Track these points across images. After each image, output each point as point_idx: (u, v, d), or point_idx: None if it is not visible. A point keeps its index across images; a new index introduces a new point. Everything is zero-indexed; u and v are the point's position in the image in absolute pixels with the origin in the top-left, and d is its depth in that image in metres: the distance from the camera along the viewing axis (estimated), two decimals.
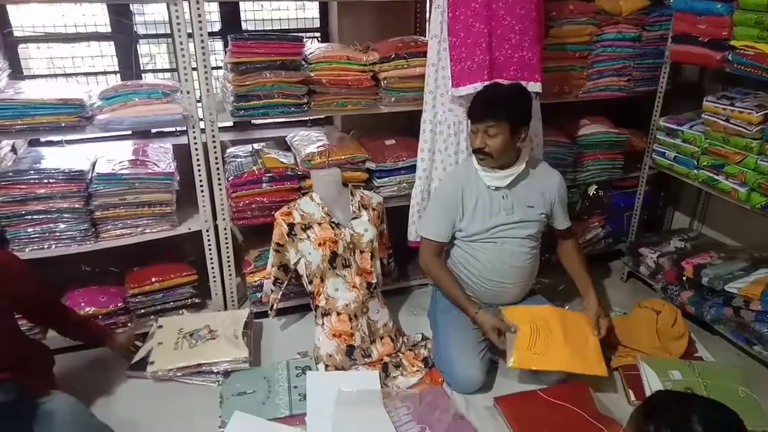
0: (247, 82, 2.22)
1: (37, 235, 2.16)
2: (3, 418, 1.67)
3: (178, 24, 2.07)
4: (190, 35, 2.11)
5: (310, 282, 2.34)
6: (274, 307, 2.47)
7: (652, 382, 2.11)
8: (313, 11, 2.99)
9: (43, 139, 2.60)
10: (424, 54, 2.34)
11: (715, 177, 2.42)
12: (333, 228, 2.33)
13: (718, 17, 2.27)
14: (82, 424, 1.74)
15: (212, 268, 2.48)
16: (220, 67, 2.58)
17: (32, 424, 1.69)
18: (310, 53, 2.36)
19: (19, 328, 1.94)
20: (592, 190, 2.97)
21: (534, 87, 2.31)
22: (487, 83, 2.21)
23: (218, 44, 2.82)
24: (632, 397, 2.14)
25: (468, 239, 2.22)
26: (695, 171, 2.52)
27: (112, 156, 2.36)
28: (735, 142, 2.29)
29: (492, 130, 2.02)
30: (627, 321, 2.48)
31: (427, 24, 2.54)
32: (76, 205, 2.17)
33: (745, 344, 2.34)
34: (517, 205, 2.17)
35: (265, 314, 2.55)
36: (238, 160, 2.52)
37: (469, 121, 2.10)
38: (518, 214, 2.17)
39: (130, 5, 2.54)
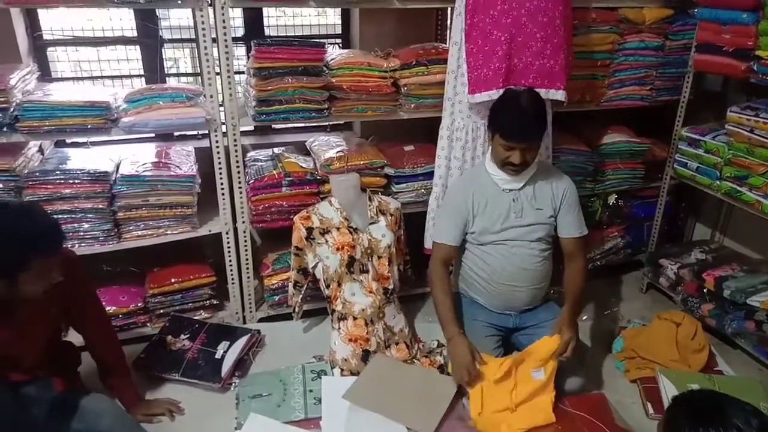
0: (269, 87, 2.25)
1: None
2: (48, 414, 1.72)
3: (203, 29, 2.10)
4: (214, 40, 2.14)
5: (328, 286, 2.35)
6: (296, 309, 2.49)
7: (671, 395, 2.04)
8: (334, 18, 3.02)
9: (68, 141, 2.65)
10: (445, 61, 2.34)
11: (739, 188, 2.38)
12: (351, 233, 2.34)
13: (744, 27, 2.25)
14: (123, 423, 1.81)
15: (231, 270, 2.50)
16: (242, 72, 2.62)
17: (72, 420, 1.75)
18: (332, 59, 2.37)
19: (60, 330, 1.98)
20: (612, 200, 2.94)
21: (556, 95, 2.30)
22: (502, 89, 2.20)
23: (241, 50, 2.86)
24: (650, 410, 2.11)
25: (478, 243, 2.20)
26: (718, 182, 2.49)
27: (135, 158, 2.40)
28: (759, 154, 2.26)
29: (532, 147, 2.03)
30: (646, 333, 2.45)
31: (448, 31, 2.55)
32: (100, 206, 2.21)
33: (766, 359, 2.30)
34: (527, 207, 2.14)
35: (283, 317, 2.57)
36: (259, 163, 2.54)
37: (501, 139, 2.02)
38: (528, 216, 2.14)
39: (156, 10, 2.58)
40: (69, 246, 2.14)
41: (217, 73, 2.22)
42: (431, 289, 2.21)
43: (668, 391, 2.10)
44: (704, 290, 2.56)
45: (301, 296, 2.46)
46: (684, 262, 2.77)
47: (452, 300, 2.16)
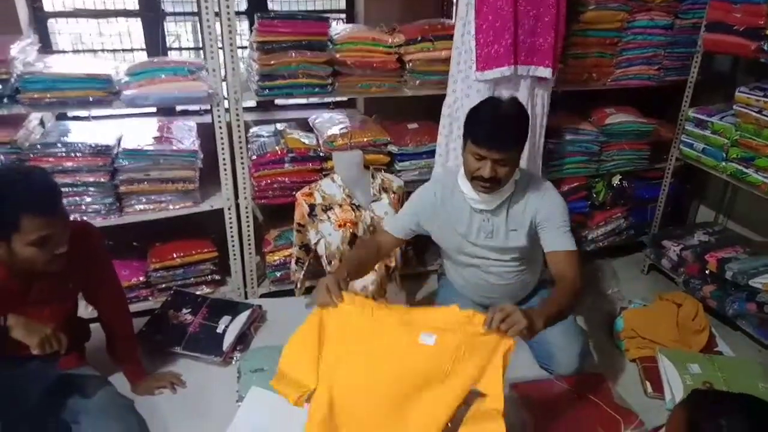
0: (272, 62, 2.22)
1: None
2: (42, 393, 1.71)
3: (206, 2, 2.07)
4: (216, 14, 2.11)
5: (329, 263, 2.35)
6: (299, 285, 2.49)
7: (671, 375, 2.09)
8: None
9: (70, 114, 2.64)
10: (451, 37, 2.31)
11: (744, 170, 2.37)
12: (354, 210, 2.33)
13: (755, 6, 2.22)
14: (113, 403, 1.79)
15: (233, 246, 2.50)
16: (245, 47, 2.59)
17: (68, 400, 1.75)
18: (336, 34, 2.34)
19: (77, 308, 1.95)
20: (616, 181, 2.92)
21: (543, 72, 2.28)
22: (513, 67, 2.20)
23: (244, 24, 2.82)
24: (649, 389, 2.12)
25: (449, 259, 2.16)
26: (723, 163, 2.47)
27: (137, 132, 2.38)
28: (767, 135, 2.24)
29: (504, 159, 1.77)
30: (647, 313, 2.45)
31: (455, 6, 2.51)
32: (102, 179, 2.20)
33: (767, 340, 2.31)
34: (498, 229, 1.95)
35: (284, 293, 2.58)
36: (261, 139, 2.53)
37: (472, 145, 1.78)
38: (499, 239, 1.96)
39: None
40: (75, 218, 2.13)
41: (220, 48, 2.19)
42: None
43: (668, 370, 2.11)
44: (707, 272, 2.55)
45: (303, 272, 2.46)
46: (687, 243, 2.77)
47: (362, 260, 1.91)
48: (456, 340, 1.45)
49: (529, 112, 2.34)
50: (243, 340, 2.28)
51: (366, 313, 1.56)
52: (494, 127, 1.75)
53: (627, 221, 3.04)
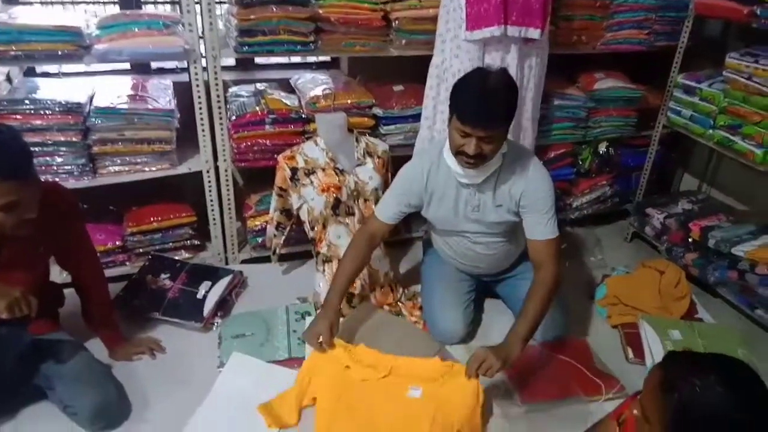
0: (252, 16, 2.11)
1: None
2: (17, 359, 1.67)
3: None
4: None
5: (312, 228, 2.30)
6: (276, 251, 2.45)
7: (652, 341, 2.11)
8: None
9: (39, 70, 2.51)
10: None
11: (731, 137, 2.35)
12: (337, 174, 2.27)
13: None
14: (91, 369, 1.74)
15: (212, 210, 2.43)
16: (223, 2, 2.47)
17: (41, 366, 1.70)
18: None
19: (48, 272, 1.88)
20: (602, 148, 2.89)
21: (533, 34, 2.21)
22: (502, 27, 2.13)
23: None
24: (630, 355, 2.14)
25: (437, 233, 2.16)
26: (711, 131, 2.45)
27: (110, 90, 2.27)
28: (755, 102, 2.22)
29: (490, 137, 1.72)
30: (630, 280, 2.46)
31: None
32: (74, 139, 2.11)
33: (747, 307, 2.34)
34: (485, 203, 1.95)
35: (266, 259, 2.53)
36: (241, 99, 2.43)
37: (457, 121, 1.72)
38: (485, 213, 1.96)
39: None
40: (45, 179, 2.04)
41: (197, 2, 2.08)
42: (343, 254, 2.02)
43: (649, 336, 2.12)
44: (690, 240, 2.57)
45: (283, 238, 2.41)
46: (671, 211, 2.78)
47: (353, 277, 1.98)
48: (439, 390, 1.72)
49: (520, 75, 2.29)
50: (224, 305, 2.24)
51: (355, 363, 1.80)
52: (480, 104, 1.68)
53: (612, 189, 3.03)
